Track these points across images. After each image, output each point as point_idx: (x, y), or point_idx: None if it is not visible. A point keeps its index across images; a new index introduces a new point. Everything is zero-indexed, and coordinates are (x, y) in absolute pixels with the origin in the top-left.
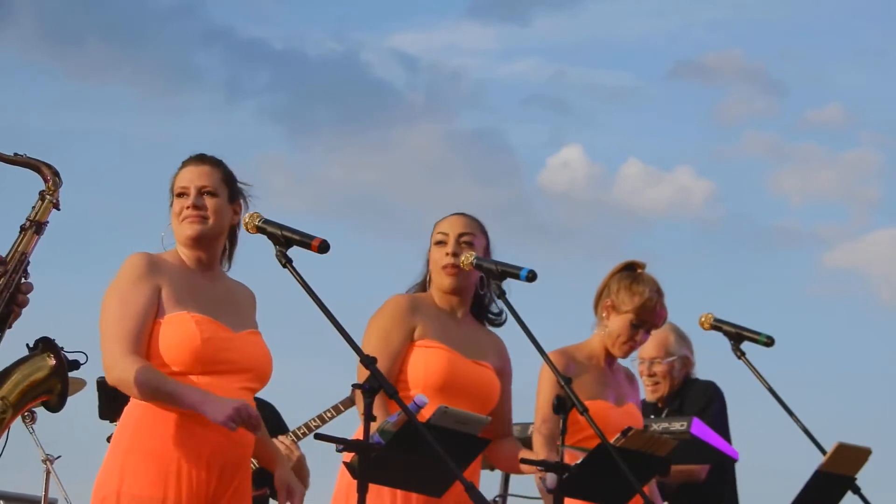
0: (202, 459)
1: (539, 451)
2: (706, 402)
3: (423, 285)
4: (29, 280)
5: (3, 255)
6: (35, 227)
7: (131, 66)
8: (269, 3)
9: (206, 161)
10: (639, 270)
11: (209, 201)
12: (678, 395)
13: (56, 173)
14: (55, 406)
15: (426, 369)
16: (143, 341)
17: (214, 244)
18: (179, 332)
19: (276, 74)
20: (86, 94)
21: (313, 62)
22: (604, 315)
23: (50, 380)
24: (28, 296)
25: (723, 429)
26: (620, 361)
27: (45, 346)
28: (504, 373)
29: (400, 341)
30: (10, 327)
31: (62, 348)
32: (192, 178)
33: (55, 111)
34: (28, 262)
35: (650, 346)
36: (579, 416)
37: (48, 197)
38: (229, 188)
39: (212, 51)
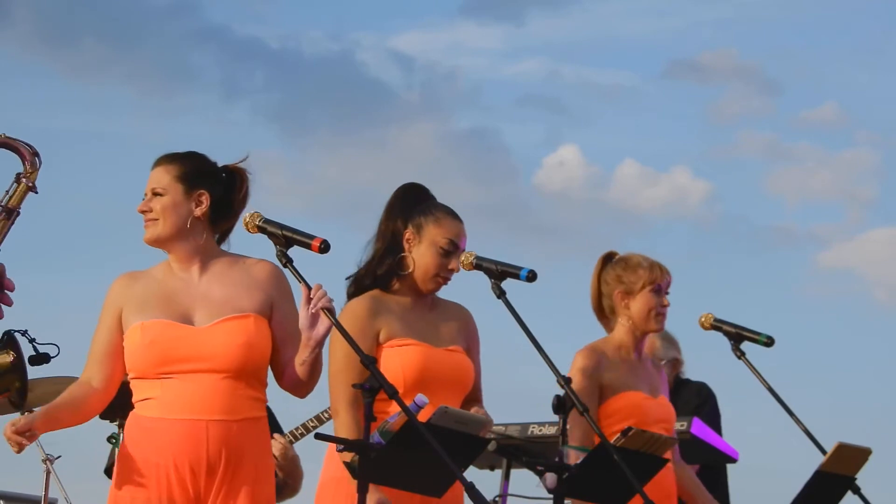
0: (176, 460)
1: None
2: (699, 402)
3: (386, 278)
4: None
5: None
6: (6, 213)
7: (127, 66)
8: (265, 2)
9: (160, 161)
10: (617, 256)
11: (156, 203)
12: (670, 396)
13: (35, 154)
14: (16, 402)
15: (403, 367)
16: (105, 362)
17: (178, 242)
18: (131, 342)
19: (272, 74)
20: (82, 93)
21: (309, 61)
22: (623, 306)
23: (6, 377)
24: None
25: (715, 430)
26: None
27: (7, 341)
28: (472, 348)
29: (366, 349)
30: None
31: (33, 339)
32: (149, 181)
33: (51, 111)
34: None
35: None
36: (615, 408)
37: (24, 180)
38: (185, 183)
39: (207, 50)
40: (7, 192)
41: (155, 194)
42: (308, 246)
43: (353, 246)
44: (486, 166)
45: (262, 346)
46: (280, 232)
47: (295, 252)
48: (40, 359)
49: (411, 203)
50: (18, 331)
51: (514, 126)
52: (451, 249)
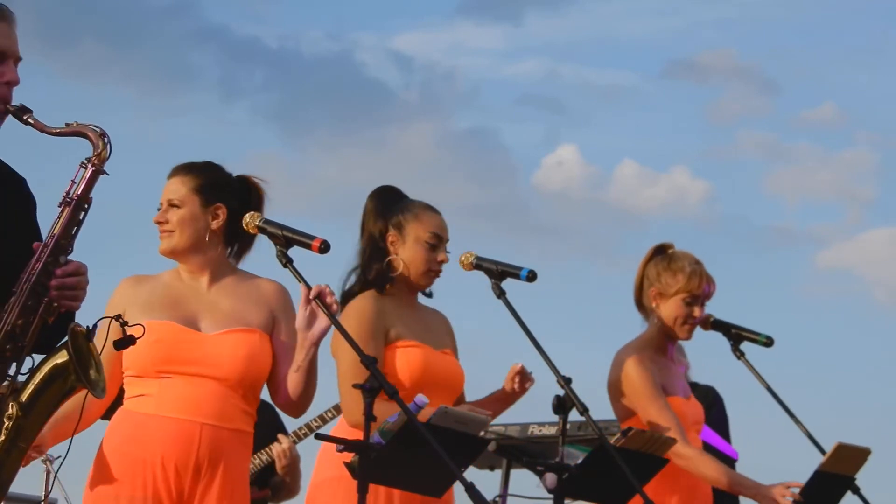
0: (164, 458)
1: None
2: (706, 406)
3: (378, 282)
4: (66, 258)
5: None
6: (66, 204)
7: (127, 66)
8: (264, 2)
9: (178, 171)
10: (670, 251)
11: (172, 214)
12: None
13: (102, 134)
14: (89, 387)
15: (409, 368)
16: (106, 366)
17: (193, 254)
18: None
19: (271, 74)
20: (82, 93)
21: (308, 61)
22: (654, 305)
23: (65, 378)
24: (76, 278)
25: (723, 433)
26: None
27: (69, 337)
28: (455, 353)
29: (377, 346)
30: (53, 317)
31: (125, 323)
32: (165, 191)
33: (51, 111)
34: (64, 244)
35: None
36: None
37: (88, 165)
38: (202, 195)
39: (207, 50)
40: (73, 181)
41: (171, 205)
42: (308, 246)
43: (353, 246)
44: (486, 166)
45: (263, 362)
46: (280, 232)
47: (295, 252)
48: (126, 341)
49: (387, 205)
50: (113, 317)
51: (513, 126)
52: (436, 242)
